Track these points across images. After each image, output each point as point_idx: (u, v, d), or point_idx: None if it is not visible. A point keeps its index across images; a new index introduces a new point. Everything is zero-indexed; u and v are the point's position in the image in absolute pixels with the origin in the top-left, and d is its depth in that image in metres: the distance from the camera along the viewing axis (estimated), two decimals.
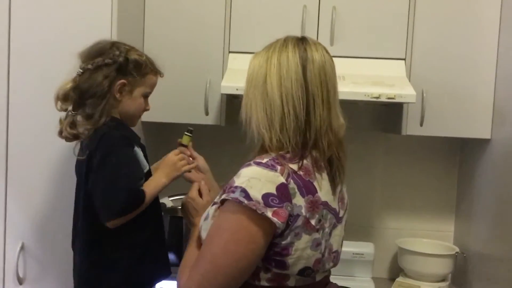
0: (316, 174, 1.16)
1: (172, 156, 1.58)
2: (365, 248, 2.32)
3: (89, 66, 1.49)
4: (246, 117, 1.22)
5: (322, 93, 1.17)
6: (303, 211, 1.12)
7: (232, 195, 1.10)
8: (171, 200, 2.00)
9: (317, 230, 1.15)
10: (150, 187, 1.50)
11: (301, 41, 1.22)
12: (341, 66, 2.00)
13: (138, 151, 1.55)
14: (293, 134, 1.15)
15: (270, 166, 1.12)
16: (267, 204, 1.08)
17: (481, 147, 2.12)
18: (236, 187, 1.11)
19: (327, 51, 1.24)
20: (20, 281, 1.75)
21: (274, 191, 1.09)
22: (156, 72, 1.60)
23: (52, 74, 1.70)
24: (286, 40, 1.22)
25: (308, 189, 1.13)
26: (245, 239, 1.10)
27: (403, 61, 2.04)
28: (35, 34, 1.74)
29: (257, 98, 1.20)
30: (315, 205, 1.14)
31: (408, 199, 2.42)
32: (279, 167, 1.12)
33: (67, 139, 1.51)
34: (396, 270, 2.34)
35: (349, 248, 2.29)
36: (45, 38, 1.74)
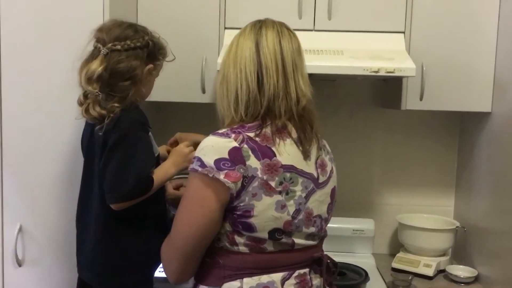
0: (277, 140, 1.22)
1: (183, 147, 1.60)
2: (366, 224, 2.32)
3: (118, 47, 1.47)
4: (216, 99, 1.35)
5: (277, 66, 1.25)
6: (259, 173, 1.19)
7: (191, 165, 1.22)
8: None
9: (279, 192, 1.20)
10: (159, 175, 1.50)
11: (259, 22, 1.32)
12: (340, 41, 2.01)
13: (152, 136, 1.54)
14: (245, 107, 1.25)
15: (225, 135, 1.21)
16: (219, 168, 1.17)
17: (481, 121, 2.10)
18: (194, 157, 1.22)
19: (288, 29, 1.32)
20: (19, 263, 1.75)
21: (226, 156, 1.18)
22: (168, 55, 1.61)
23: (45, 52, 1.68)
24: (246, 25, 1.33)
25: (264, 153, 1.20)
26: (197, 203, 1.22)
27: (402, 35, 2.01)
28: (26, 11, 1.69)
29: (218, 80, 1.32)
30: (273, 168, 1.20)
31: (408, 174, 2.41)
32: (233, 135, 1.21)
33: (93, 119, 1.48)
34: (396, 246, 2.35)
35: (349, 224, 2.31)
36: (36, 14, 1.69)
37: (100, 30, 1.50)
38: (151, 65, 1.53)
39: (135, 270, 1.55)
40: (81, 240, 1.59)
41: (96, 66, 1.45)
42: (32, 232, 1.75)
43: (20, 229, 1.74)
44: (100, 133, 1.45)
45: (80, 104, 1.51)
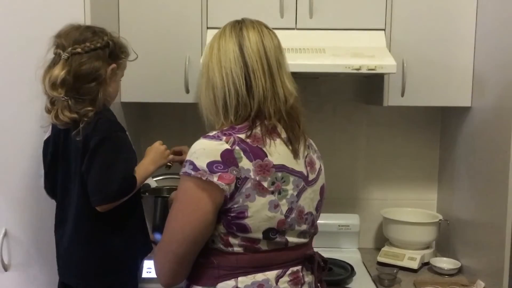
0: (267, 140, 1.23)
1: (159, 145, 1.62)
2: (351, 219, 2.35)
3: (78, 50, 1.47)
4: (199, 105, 1.33)
5: (263, 66, 1.25)
6: (252, 174, 1.19)
7: (183, 169, 1.21)
8: (154, 180, 1.99)
9: (272, 192, 1.21)
10: (140, 174, 1.51)
11: (238, 23, 1.30)
12: (321, 39, 2.03)
13: (128, 136, 1.55)
14: (235, 111, 1.24)
15: (216, 137, 1.21)
16: (212, 171, 1.17)
17: (462, 115, 2.14)
18: (186, 161, 1.21)
19: (267, 28, 1.32)
20: (5, 267, 1.73)
21: (218, 158, 1.18)
22: (130, 54, 1.61)
23: (22, 60, 1.66)
24: (225, 26, 1.32)
25: (255, 154, 1.20)
26: (190, 207, 1.20)
27: (383, 32, 2.03)
28: (5, 15, 1.68)
29: (203, 86, 1.30)
30: (265, 168, 1.20)
31: (391, 169, 2.44)
32: (224, 137, 1.20)
33: (65, 124, 1.48)
34: (381, 240, 2.38)
35: (334, 220, 2.33)
36: (15, 23, 1.68)
37: (59, 36, 1.50)
38: (114, 65, 1.53)
39: (116, 271, 1.56)
40: (62, 245, 1.59)
41: (59, 71, 1.45)
42: (17, 237, 1.74)
43: (5, 234, 1.73)
44: (78, 138, 1.45)
45: (48, 111, 1.51)
